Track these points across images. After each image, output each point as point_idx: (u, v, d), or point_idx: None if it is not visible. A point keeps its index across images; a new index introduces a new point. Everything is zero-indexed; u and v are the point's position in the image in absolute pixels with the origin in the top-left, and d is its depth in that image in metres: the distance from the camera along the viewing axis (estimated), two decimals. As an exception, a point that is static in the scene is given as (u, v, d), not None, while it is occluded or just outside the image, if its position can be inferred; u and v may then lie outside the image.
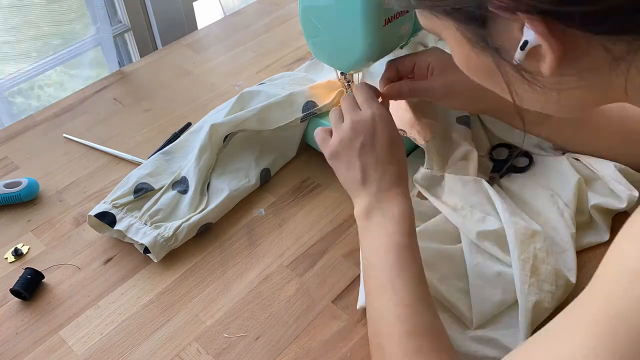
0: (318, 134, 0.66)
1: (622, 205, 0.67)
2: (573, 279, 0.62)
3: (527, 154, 0.76)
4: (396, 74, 0.73)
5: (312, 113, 0.78)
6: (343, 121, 0.64)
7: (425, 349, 0.50)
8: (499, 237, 0.64)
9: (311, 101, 0.79)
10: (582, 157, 0.73)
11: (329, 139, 0.64)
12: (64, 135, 0.87)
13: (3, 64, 0.94)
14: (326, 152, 0.64)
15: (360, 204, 0.60)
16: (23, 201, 0.77)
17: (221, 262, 0.69)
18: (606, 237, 0.68)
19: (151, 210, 0.71)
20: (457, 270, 0.64)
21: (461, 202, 0.69)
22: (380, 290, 0.55)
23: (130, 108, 0.93)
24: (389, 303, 0.53)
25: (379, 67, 0.82)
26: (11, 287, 0.66)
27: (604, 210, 0.69)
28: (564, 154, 0.75)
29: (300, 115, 0.78)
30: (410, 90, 0.71)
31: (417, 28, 0.69)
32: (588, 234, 0.69)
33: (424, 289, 0.55)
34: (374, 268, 0.57)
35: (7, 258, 0.71)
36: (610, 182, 0.69)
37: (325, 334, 0.62)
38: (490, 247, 0.64)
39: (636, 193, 0.67)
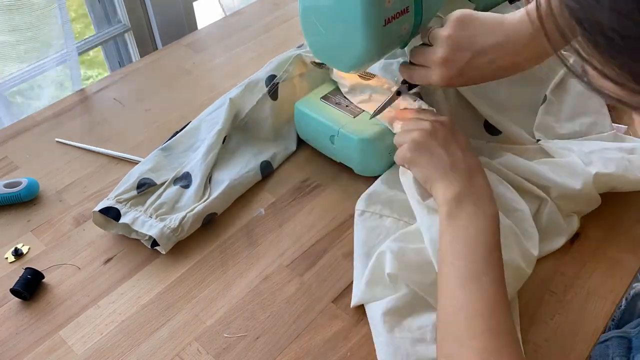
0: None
1: (577, 186, 0.68)
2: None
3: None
4: None
5: (275, 84, 0.83)
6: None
7: (504, 351, 0.50)
8: None
9: (271, 75, 0.83)
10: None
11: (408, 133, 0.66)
12: (57, 139, 0.86)
13: (3, 64, 0.94)
14: (409, 143, 0.65)
15: (450, 188, 0.60)
16: (23, 201, 0.77)
17: (221, 262, 0.69)
18: (576, 225, 0.70)
19: (155, 204, 0.71)
20: None
21: None
22: (466, 282, 0.54)
23: (130, 108, 0.93)
24: (473, 296, 0.53)
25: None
26: (11, 287, 0.66)
27: (566, 196, 0.69)
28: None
29: (265, 90, 0.82)
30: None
31: (416, 29, 0.69)
32: (570, 221, 0.70)
33: (506, 291, 0.54)
34: (459, 258, 0.55)
35: (7, 258, 0.71)
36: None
37: (325, 334, 0.62)
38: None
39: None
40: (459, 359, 0.50)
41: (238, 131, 0.81)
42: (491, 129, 0.79)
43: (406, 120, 0.70)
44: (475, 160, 0.63)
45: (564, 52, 0.36)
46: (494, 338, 0.50)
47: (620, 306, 0.85)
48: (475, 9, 0.74)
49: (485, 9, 0.81)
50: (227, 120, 0.79)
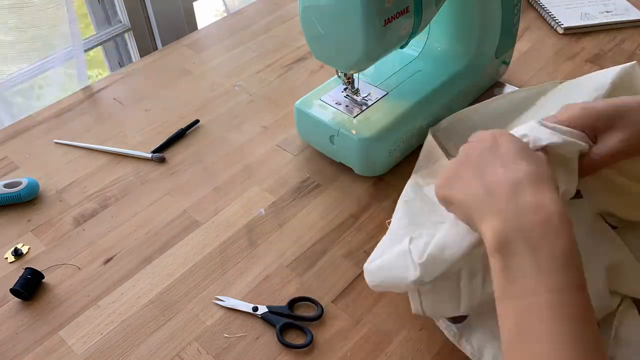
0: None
1: None
2: None
3: None
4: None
5: None
6: None
7: None
8: None
9: None
10: None
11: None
12: (55, 141, 0.86)
13: (3, 64, 0.94)
14: (437, 188, 0.49)
15: (490, 227, 0.40)
16: (23, 201, 0.77)
17: (221, 262, 0.69)
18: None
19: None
20: None
21: None
22: None
23: (130, 108, 0.93)
24: None
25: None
26: (11, 287, 0.66)
27: None
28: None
29: None
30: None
31: (416, 29, 0.69)
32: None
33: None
34: (531, 339, 0.37)
35: (7, 258, 0.71)
36: None
37: (325, 334, 0.62)
38: None
39: None
40: None
41: None
42: None
43: None
44: (527, 168, 0.42)
45: None
46: None
47: None
48: None
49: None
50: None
